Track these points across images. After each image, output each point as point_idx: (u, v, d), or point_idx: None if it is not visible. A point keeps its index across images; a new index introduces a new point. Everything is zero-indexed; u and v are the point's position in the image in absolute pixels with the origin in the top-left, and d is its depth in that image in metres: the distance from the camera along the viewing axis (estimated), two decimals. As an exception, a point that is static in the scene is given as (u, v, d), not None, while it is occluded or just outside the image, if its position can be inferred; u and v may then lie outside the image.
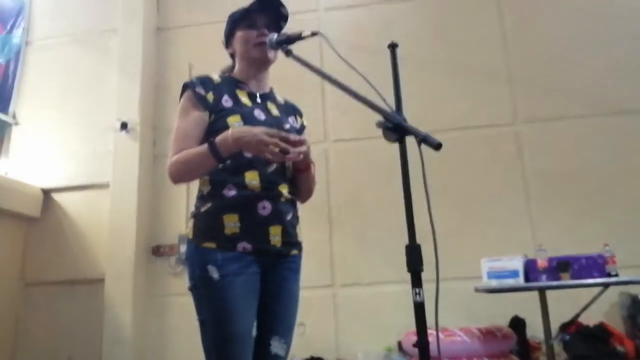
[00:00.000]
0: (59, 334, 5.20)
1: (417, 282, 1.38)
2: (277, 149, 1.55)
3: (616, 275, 3.32)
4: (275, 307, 1.76)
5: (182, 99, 1.82)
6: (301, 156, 1.63)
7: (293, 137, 1.62)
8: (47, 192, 5.52)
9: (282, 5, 1.88)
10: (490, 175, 4.87)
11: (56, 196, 5.53)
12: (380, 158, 5.03)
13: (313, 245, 5.03)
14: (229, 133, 1.61)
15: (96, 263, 5.25)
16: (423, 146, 1.34)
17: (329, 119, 5.21)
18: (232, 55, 1.97)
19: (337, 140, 5.18)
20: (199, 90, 1.78)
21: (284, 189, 1.75)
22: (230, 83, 1.87)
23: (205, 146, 1.64)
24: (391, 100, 1.56)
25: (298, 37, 1.72)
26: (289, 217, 1.77)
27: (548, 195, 4.76)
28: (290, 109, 1.99)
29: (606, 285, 3.33)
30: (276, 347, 1.74)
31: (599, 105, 4.87)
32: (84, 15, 6.03)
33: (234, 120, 1.72)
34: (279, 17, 1.90)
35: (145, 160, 5.39)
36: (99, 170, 5.42)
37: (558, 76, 5.01)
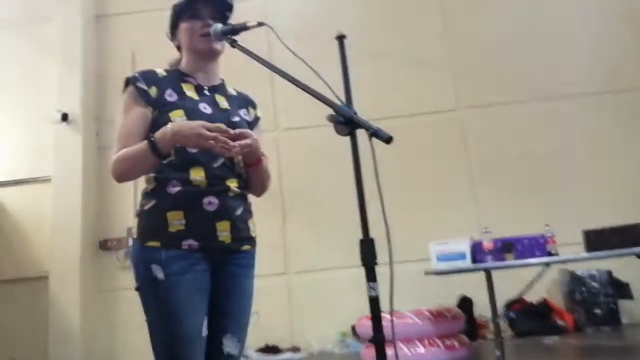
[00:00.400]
0: (2, 335, 4.97)
1: (371, 276, 1.39)
2: (216, 143, 1.50)
3: (556, 254, 3.49)
4: (227, 305, 1.70)
5: (124, 95, 1.74)
6: (245, 149, 1.57)
7: (234, 130, 1.57)
8: (-17, 187, 5.24)
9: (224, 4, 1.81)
10: (436, 161, 5.01)
11: (-6, 191, 5.26)
12: (331, 146, 5.02)
13: (266, 234, 4.98)
14: (168, 128, 1.55)
15: (38, 260, 5.04)
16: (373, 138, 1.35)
17: (279, 107, 5.18)
18: (179, 48, 1.90)
19: (288, 128, 5.17)
20: (140, 85, 1.71)
21: (233, 184, 1.69)
22: (176, 76, 1.79)
23: (145, 143, 1.58)
24: (340, 92, 1.56)
25: (243, 28, 1.67)
26: (238, 212, 1.70)
27: (491, 178, 4.94)
28: (242, 101, 1.91)
29: (547, 264, 3.50)
30: (229, 346, 1.68)
31: (537, 90, 5.09)
32: (17, 2, 5.71)
33: (176, 115, 1.65)
34: (224, 7, 1.82)
35: (88, 152, 5.19)
36: (39, 164, 5.19)
37: (498, 64, 5.19)
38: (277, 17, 5.37)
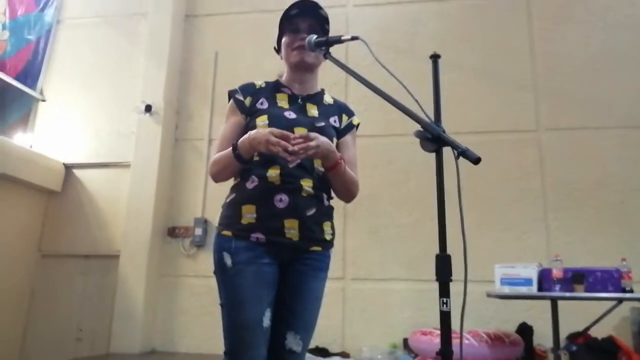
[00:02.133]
0: (71, 306, 5.34)
1: (444, 292, 1.39)
2: (278, 148, 1.58)
3: (631, 290, 3.29)
4: (292, 302, 1.76)
5: (228, 106, 1.92)
6: (310, 152, 1.61)
7: (296, 135, 1.63)
8: (69, 168, 5.65)
9: (320, 8, 1.89)
10: (509, 181, 4.86)
11: (77, 172, 5.65)
12: (398, 156, 5.05)
13: (326, 239, 5.09)
14: (249, 134, 1.68)
15: (112, 240, 5.37)
16: (446, 150, 1.35)
17: (351, 114, 5.22)
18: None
19: (358, 136, 5.19)
20: (238, 97, 1.88)
21: (307, 184, 1.74)
22: (273, 87, 1.92)
23: (230, 148, 1.73)
24: (428, 109, 1.54)
25: (337, 41, 1.72)
26: (310, 212, 1.74)
27: (566, 204, 4.73)
28: (337, 109, 1.97)
29: (620, 300, 3.31)
30: (291, 342, 1.73)
31: (622, 117, 4.83)
32: (116, -1, 6.13)
33: (261, 120, 1.78)
34: (320, 20, 1.89)
35: (166, 143, 5.47)
36: (121, 149, 5.53)
37: (583, 87, 4.96)
38: (357, 24, 5.43)
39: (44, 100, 5.91)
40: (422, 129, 1.43)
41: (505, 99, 5.06)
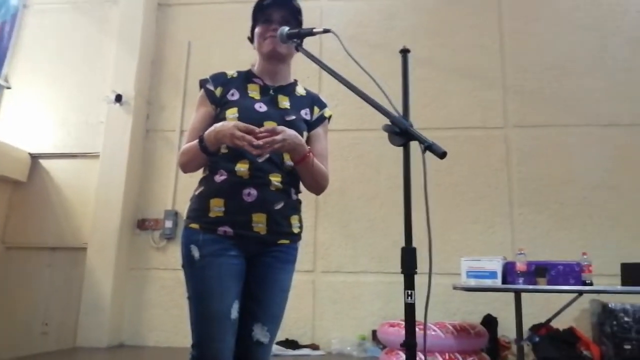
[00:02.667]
0: (37, 300, 5.22)
1: (410, 284, 1.41)
2: (243, 142, 1.59)
3: (591, 284, 3.41)
4: (259, 294, 1.77)
5: (198, 95, 1.91)
6: (276, 146, 1.62)
7: (261, 129, 1.63)
8: (35, 158, 5.50)
9: (293, 9, 1.89)
10: (477, 176, 4.97)
11: (44, 162, 5.52)
12: (369, 151, 5.10)
13: (297, 232, 5.11)
14: (214, 126, 1.68)
15: (79, 232, 5.27)
16: (415, 145, 1.37)
17: (323, 108, 5.23)
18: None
19: (330, 129, 5.21)
20: (208, 87, 1.87)
21: (275, 178, 1.76)
22: (244, 77, 1.91)
23: (197, 139, 1.73)
24: (397, 103, 1.56)
25: (309, 33, 1.73)
26: (277, 206, 1.76)
27: (531, 200, 4.86)
28: (309, 101, 1.97)
29: (580, 293, 3.43)
30: (258, 333, 1.75)
31: (587, 116, 4.98)
32: (85, -17, 5.98)
33: (230, 113, 1.78)
34: (293, 11, 1.90)
35: (137, 134, 5.38)
36: (89, 140, 5.42)
37: (551, 85, 5.10)
38: (331, 18, 5.44)
39: (9, 88, 5.74)
40: (390, 123, 1.45)
41: (475, 95, 5.16)
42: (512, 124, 5.08)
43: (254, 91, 1.87)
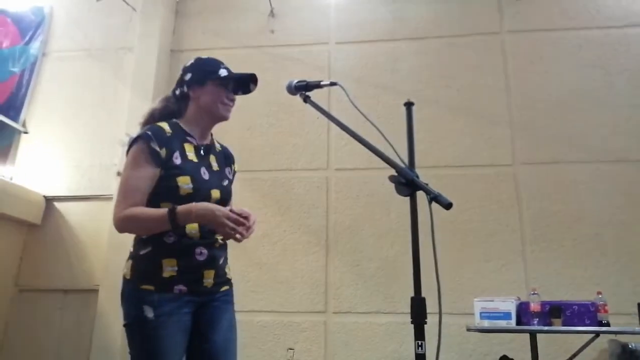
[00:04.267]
0: (48, 342, 5.21)
1: (420, 334, 1.42)
2: (237, 235, 1.71)
3: (607, 324, 3.35)
4: (213, 336, 1.87)
5: (135, 149, 1.84)
6: (252, 232, 1.76)
7: (245, 220, 1.74)
8: (49, 200, 5.59)
9: (255, 84, 2.05)
10: (487, 215, 4.95)
11: (58, 205, 5.60)
12: (379, 189, 5.12)
13: (308, 270, 5.11)
14: (192, 209, 1.72)
15: (92, 273, 5.29)
16: (423, 194, 1.39)
17: (332, 147, 5.30)
18: (185, 97, 2.01)
19: (339, 169, 5.27)
20: (153, 146, 1.82)
21: (219, 236, 1.90)
22: (179, 135, 1.93)
23: (164, 212, 1.72)
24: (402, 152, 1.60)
25: (317, 86, 1.83)
26: (220, 261, 1.93)
27: (543, 237, 4.82)
28: (226, 158, 2.12)
29: (597, 334, 3.37)
30: None
31: (595, 153, 4.98)
32: (102, 32, 6.19)
33: (183, 182, 1.83)
34: (252, 81, 2.06)
35: (149, 176, 5.45)
36: (103, 182, 5.51)
37: (558, 122, 5.13)
38: (339, 61, 5.57)
39: (26, 132, 5.90)
40: (396, 174, 1.49)
41: (482, 134, 5.20)
42: (520, 161, 5.10)
43: (190, 152, 1.93)
